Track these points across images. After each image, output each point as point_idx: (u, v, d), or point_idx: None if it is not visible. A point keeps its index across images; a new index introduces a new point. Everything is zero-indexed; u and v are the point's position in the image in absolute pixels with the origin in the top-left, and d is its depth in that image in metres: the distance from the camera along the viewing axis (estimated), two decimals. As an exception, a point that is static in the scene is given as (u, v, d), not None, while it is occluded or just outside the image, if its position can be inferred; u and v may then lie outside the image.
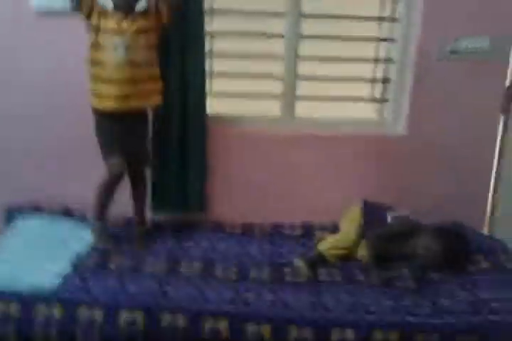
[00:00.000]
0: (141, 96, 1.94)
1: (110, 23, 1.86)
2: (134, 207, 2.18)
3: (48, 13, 2.13)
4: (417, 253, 1.90)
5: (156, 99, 2.01)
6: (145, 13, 1.91)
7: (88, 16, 1.86)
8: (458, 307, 1.70)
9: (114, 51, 1.86)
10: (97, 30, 1.87)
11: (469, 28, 2.17)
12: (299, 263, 1.96)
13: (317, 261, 1.98)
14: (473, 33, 2.17)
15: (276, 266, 1.99)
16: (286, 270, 1.96)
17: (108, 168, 2.01)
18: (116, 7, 1.87)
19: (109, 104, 1.91)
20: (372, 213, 2.10)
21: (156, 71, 1.98)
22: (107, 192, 2.05)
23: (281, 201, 2.37)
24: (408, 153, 2.30)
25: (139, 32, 1.88)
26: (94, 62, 1.90)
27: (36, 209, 2.33)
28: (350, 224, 2.08)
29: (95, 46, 1.88)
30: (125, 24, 1.87)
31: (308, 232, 2.26)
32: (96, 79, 1.91)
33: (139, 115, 2.03)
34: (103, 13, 1.87)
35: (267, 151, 2.34)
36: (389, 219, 2.04)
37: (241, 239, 2.22)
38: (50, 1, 2.11)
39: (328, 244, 2.02)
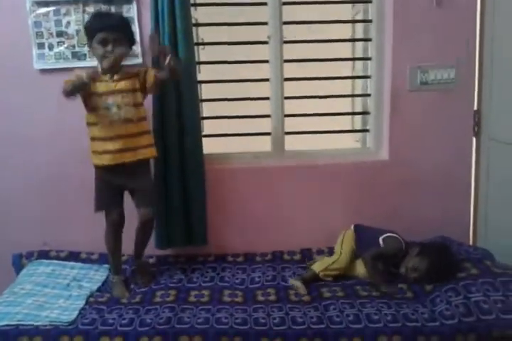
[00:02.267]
0: (136, 151, 2.05)
1: (100, 87, 2.02)
2: (136, 245, 2.24)
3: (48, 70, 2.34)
4: (408, 275, 2.03)
5: (150, 152, 2.11)
6: (130, 76, 2.07)
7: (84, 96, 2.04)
8: (453, 310, 1.81)
9: (106, 111, 2.01)
10: (90, 95, 2.02)
11: (435, 58, 2.39)
12: (295, 282, 2.08)
13: (311, 280, 2.10)
14: (440, 64, 2.38)
15: (281, 288, 2.09)
16: (291, 291, 2.07)
17: (107, 219, 2.14)
18: (103, 70, 2.04)
19: (106, 160, 2.04)
20: (364, 235, 2.23)
21: (147, 126, 2.11)
22: (112, 241, 2.17)
23: (278, 230, 2.49)
24: (392, 176, 2.45)
25: (128, 91, 2.03)
26: (91, 124, 2.06)
27: (43, 254, 2.41)
28: (344, 247, 2.21)
29: (91, 108, 2.04)
30: (112, 85, 2.03)
31: (307, 256, 2.38)
32: (93, 138, 2.07)
33: (139, 166, 2.10)
34: (97, 80, 2.02)
35: (261, 184, 2.48)
36: (380, 241, 2.15)
37: (244, 267, 2.33)
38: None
39: (322, 265, 2.14)
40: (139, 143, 2.07)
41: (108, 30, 1.97)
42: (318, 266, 2.14)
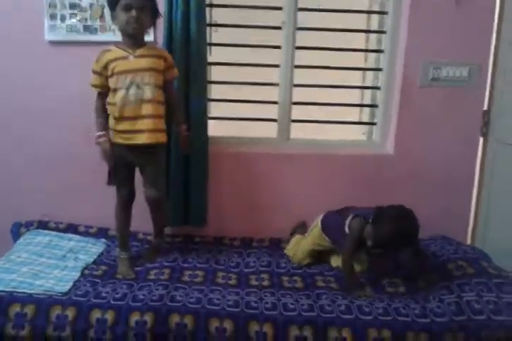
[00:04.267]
0: (150, 133, 2.00)
1: (122, 65, 1.97)
2: (153, 224, 2.27)
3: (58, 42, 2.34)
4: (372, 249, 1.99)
5: (162, 137, 2.07)
6: (153, 55, 2.03)
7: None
8: (444, 308, 1.82)
9: (125, 91, 1.97)
10: (110, 75, 1.99)
11: (449, 56, 2.37)
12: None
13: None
14: (453, 61, 2.37)
15: (275, 274, 2.11)
16: (285, 278, 2.09)
17: (117, 195, 2.14)
18: (129, 38, 2.01)
19: (120, 139, 2.03)
20: (331, 225, 2.15)
21: (161, 110, 2.06)
22: (121, 217, 2.17)
23: (277, 217, 2.51)
24: (395, 171, 2.45)
25: (149, 69, 1.99)
26: (110, 103, 2.03)
27: (42, 225, 2.43)
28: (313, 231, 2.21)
29: (112, 89, 2.00)
30: (134, 63, 1.98)
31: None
32: (111, 117, 2.05)
33: (152, 147, 2.06)
34: (115, 59, 1.98)
35: (264, 170, 2.49)
36: (346, 229, 2.04)
37: (240, 251, 2.35)
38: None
39: (292, 249, 2.24)
40: (155, 126, 2.02)
41: None
42: (290, 250, 2.26)
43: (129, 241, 2.22)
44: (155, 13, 2.05)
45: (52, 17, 2.33)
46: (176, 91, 2.21)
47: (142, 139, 2.00)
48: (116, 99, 1.98)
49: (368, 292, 1.95)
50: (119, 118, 2.00)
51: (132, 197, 2.15)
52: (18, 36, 2.33)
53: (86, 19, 2.34)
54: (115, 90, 1.99)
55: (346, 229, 2.04)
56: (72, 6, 2.33)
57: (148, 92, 1.98)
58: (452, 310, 1.80)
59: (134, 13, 1.93)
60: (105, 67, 1.98)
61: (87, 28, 2.35)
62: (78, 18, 2.33)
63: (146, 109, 1.98)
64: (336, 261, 2.17)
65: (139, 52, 2.01)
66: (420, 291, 1.95)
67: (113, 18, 2.02)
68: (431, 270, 2.01)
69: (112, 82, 1.99)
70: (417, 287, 1.98)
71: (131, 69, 1.97)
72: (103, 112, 2.05)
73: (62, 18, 2.33)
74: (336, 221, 2.12)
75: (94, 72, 2.02)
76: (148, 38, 2.30)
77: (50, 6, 2.32)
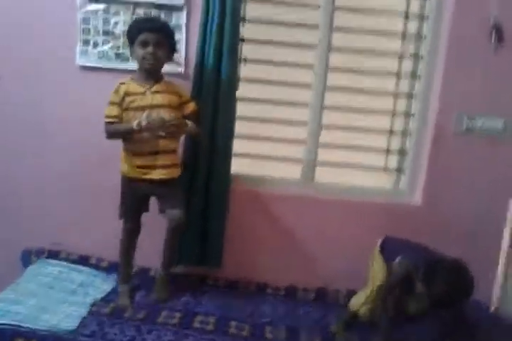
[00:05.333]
0: (165, 168, 2.02)
1: (138, 101, 1.98)
2: (164, 253, 2.17)
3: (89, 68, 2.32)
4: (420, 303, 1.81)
5: (177, 172, 2.09)
6: (169, 91, 2.03)
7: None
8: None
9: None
10: (125, 109, 2.00)
11: (484, 105, 2.30)
12: (335, 329, 1.96)
13: (353, 320, 1.96)
14: (488, 112, 2.30)
15: (291, 328, 2.00)
16: (302, 332, 1.97)
17: (124, 227, 2.13)
18: (146, 73, 2.01)
19: (134, 174, 2.03)
20: (390, 252, 1.99)
21: (177, 145, 2.08)
22: (126, 248, 2.15)
23: (296, 263, 2.41)
24: (422, 222, 2.35)
25: (165, 106, 1.99)
26: (125, 138, 2.03)
27: (53, 254, 2.37)
28: (374, 273, 2.00)
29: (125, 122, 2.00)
30: (150, 99, 1.99)
31: (322, 296, 2.29)
32: (125, 151, 2.04)
33: (165, 182, 2.04)
34: (131, 94, 1.98)
35: (285, 213, 2.41)
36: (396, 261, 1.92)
37: (255, 298, 2.24)
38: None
39: (357, 302, 1.96)
40: (171, 161, 2.04)
41: (149, 31, 1.95)
42: (354, 303, 1.97)
43: (130, 274, 2.19)
44: (172, 48, 2.08)
45: (85, 42, 2.33)
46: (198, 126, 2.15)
47: (159, 174, 2.01)
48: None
49: None
50: (135, 154, 2.00)
51: (138, 229, 2.15)
52: (50, 59, 2.33)
53: (118, 47, 2.33)
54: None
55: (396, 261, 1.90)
56: (105, 33, 2.32)
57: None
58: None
59: (150, 49, 1.95)
60: (123, 98, 1.99)
61: (118, 56, 2.34)
62: (110, 45, 2.33)
63: (162, 144, 1.99)
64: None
65: (155, 88, 2.01)
66: None
67: (131, 52, 2.04)
68: None
69: (126, 117, 1.99)
70: None
71: (148, 105, 1.98)
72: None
73: (95, 45, 2.33)
74: (395, 247, 1.99)
75: (113, 103, 2.01)
76: (178, 69, 2.28)
77: (83, 32, 2.32)
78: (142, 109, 1.97)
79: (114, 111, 2.00)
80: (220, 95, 2.24)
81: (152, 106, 1.98)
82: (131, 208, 2.10)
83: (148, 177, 2.01)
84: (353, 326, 1.95)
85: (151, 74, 2.02)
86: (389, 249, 2.01)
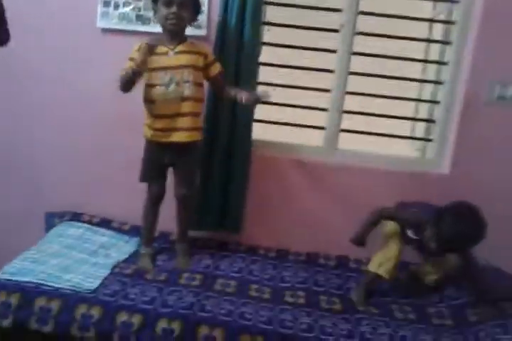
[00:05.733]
0: (187, 131, 1.99)
1: (161, 62, 1.94)
2: (177, 225, 2.19)
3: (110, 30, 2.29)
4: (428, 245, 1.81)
5: (199, 135, 2.06)
6: (194, 51, 1.99)
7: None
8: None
9: (164, 87, 1.93)
10: (149, 70, 1.94)
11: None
12: (355, 297, 1.96)
13: (374, 284, 1.98)
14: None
15: (311, 293, 1.99)
16: (322, 297, 1.97)
17: (148, 191, 2.11)
18: (167, 34, 1.97)
19: (156, 137, 2.01)
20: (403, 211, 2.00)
21: (199, 108, 2.04)
22: (150, 213, 2.15)
23: (317, 230, 2.38)
24: (449, 192, 2.27)
25: (188, 67, 1.95)
26: (147, 100, 2.00)
27: (76, 217, 2.38)
28: (387, 232, 2.01)
29: (148, 85, 1.97)
30: (174, 59, 1.95)
31: (343, 264, 2.27)
32: (148, 113, 2.02)
33: (186, 147, 2.05)
34: (154, 54, 1.92)
35: (307, 180, 2.37)
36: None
37: (275, 263, 2.24)
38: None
39: (376, 263, 1.94)
40: (193, 124, 2.01)
41: None
42: (374, 265, 1.95)
43: (153, 238, 2.20)
44: (197, 9, 2.02)
45: (106, 4, 2.28)
46: (227, 83, 2.13)
47: (180, 137, 1.98)
48: (154, 96, 1.95)
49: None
50: (157, 116, 1.97)
51: (162, 195, 2.12)
52: (70, 21, 2.30)
53: (139, 8, 2.28)
54: (152, 86, 1.95)
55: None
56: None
57: (187, 90, 1.95)
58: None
59: (174, 9, 1.90)
60: (143, 59, 1.90)
61: (139, 18, 2.29)
62: (131, 6, 2.28)
63: (185, 106, 1.96)
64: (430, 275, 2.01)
65: (179, 48, 1.98)
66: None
67: (154, 12, 2.00)
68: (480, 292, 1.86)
69: (148, 78, 1.95)
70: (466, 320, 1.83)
71: (170, 65, 1.95)
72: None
73: (116, 6, 2.28)
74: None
75: (131, 59, 1.95)
76: (200, 32, 2.23)
77: (104, -6, 2.26)
78: (165, 69, 1.94)
79: (128, 65, 1.95)
80: (242, 59, 2.19)
81: (176, 67, 1.95)
82: (152, 173, 2.09)
83: (168, 140, 1.99)
84: (372, 291, 1.96)
85: (175, 35, 1.98)
86: (401, 208, 2.02)
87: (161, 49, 1.96)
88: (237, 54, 2.19)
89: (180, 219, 2.17)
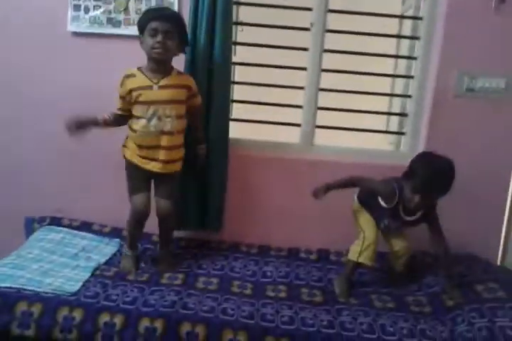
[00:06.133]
0: (167, 163, 2.00)
1: (145, 96, 1.94)
2: (160, 236, 2.18)
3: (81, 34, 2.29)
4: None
5: (177, 166, 2.07)
6: (178, 85, 1.99)
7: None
8: (474, 333, 1.69)
9: (146, 121, 1.95)
10: (134, 103, 1.97)
11: (486, 66, 2.26)
12: (337, 289, 1.99)
13: (354, 272, 2.02)
14: (490, 72, 2.27)
15: (292, 287, 2.02)
16: (303, 290, 2.00)
17: (132, 205, 2.06)
18: (154, 63, 1.97)
19: (135, 161, 2.02)
20: (367, 200, 2.07)
21: (181, 139, 2.06)
22: (135, 226, 2.10)
23: (297, 225, 2.41)
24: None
25: (172, 102, 1.96)
26: (130, 128, 2.02)
27: (55, 221, 2.37)
28: (360, 221, 2.05)
29: (133, 115, 1.99)
30: (157, 94, 1.95)
31: (323, 257, 2.31)
32: (130, 137, 2.03)
33: (166, 174, 2.04)
34: (138, 88, 1.95)
35: (286, 176, 2.40)
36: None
37: (257, 259, 2.26)
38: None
39: (355, 252, 1.98)
40: (171, 157, 2.02)
41: (159, 20, 1.89)
42: (353, 253, 1.99)
43: (136, 243, 2.17)
44: (184, 39, 2.02)
45: (76, 8, 2.28)
46: (201, 118, 2.19)
47: (157, 168, 2.00)
48: (137, 127, 1.97)
49: None
50: (138, 145, 2.00)
51: (147, 211, 2.04)
52: (40, 26, 2.30)
53: (110, 11, 2.29)
54: (135, 117, 1.98)
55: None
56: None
57: (168, 125, 1.96)
58: (484, 335, 1.66)
59: (159, 38, 1.89)
60: (129, 93, 1.96)
61: (110, 21, 2.30)
62: (102, 10, 2.28)
63: (165, 140, 1.97)
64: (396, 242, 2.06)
65: (164, 81, 1.97)
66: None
67: (141, 42, 1.98)
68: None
69: (134, 110, 1.98)
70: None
71: (153, 100, 1.95)
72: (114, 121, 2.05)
73: (86, 10, 2.29)
74: (369, 192, 2.03)
75: (120, 97, 2.00)
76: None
77: (74, -3, 2.27)
78: (148, 103, 1.95)
79: (121, 104, 2.00)
80: (214, 58, 2.21)
81: (159, 102, 1.95)
82: (135, 186, 2.06)
83: (148, 168, 2.01)
84: (353, 282, 2.00)
85: (160, 65, 1.97)
86: (364, 195, 2.07)
87: (146, 82, 1.95)
88: (209, 54, 2.20)
89: (161, 231, 2.15)
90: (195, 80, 2.09)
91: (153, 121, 1.95)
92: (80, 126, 1.98)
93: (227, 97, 2.29)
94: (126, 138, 2.06)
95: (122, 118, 2.03)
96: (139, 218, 2.04)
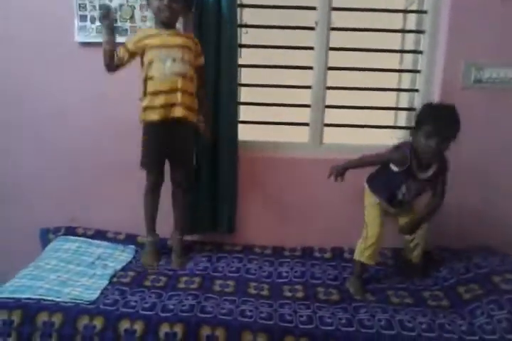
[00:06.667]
0: (184, 107, 2.02)
1: (156, 41, 2.02)
2: (174, 211, 2.23)
3: (88, 44, 2.30)
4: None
5: (195, 115, 2.09)
6: (185, 36, 2.08)
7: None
8: (494, 325, 1.68)
9: (160, 64, 1.99)
10: (145, 49, 2.02)
11: (493, 57, 2.25)
12: (351, 288, 2.00)
13: (364, 272, 2.04)
14: (497, 63, 2.25)
15: (309, 286, 2.02)
16: (320, 289, 2.00)
17: (146, 177, 2.14)
18: (161, 24, 2.05)
19: (155, 115, 2.02)
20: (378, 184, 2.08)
21: (194, 88, 2.08)
22: (150, 200, 2.18)
23: (310, 225, 2.42)
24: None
25: (182, 46, 2.02)
26: (146, 78, 2.03)
27: (70, 231, 2.40)
28: (366, 215, 2.06)
29: (147, 63, 2.03)
30: (167, 39, 2.03)
31: (338, 255, 2.31)
32: (146, 93, 2.04)
33: (184, 125, 2.08)
34: (149, 36, 2.03)
35: (296, 176, 2.40)
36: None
37: (272, 260, 2.27)
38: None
39: (358, 252, 2.02)
40: (190, 102, 2.05)
41: None
42: (357, 253, 2.03)
43: (155, 226, 2.22)
44: (189, 2, 2.09)
45: (83, 18, 2.30)
46: (204, 84, 2.19)
47: (178, 112, 2.01)
48: (152, 72, 2.00)
49: None
50: (156, 93, 2.00)
51: (160, 182, 2.17)
52: (48, 37, 2.32)
53: (116, 20, 2.30)
54: (150, 64, 2.00)
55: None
56: (102, 8, 2.28)
57: (183, 67, 2.01)
58: (504, 327, 1.66)
59: (165, 1, 1.96)
60: (137, 42, 2.01)
61: (116, 29, 2.29)
62: (108, 19, 2.30)
63: (182, 83, 2.00)
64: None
65: (172, 32, 2.05)
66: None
67: (148, 4, 2.08)
68: None
69: (146, 57, 2.02)
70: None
71: (165, 44, 2.01)
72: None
73: (92, 20, 2.31)
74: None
75: (123, 45, 2.04)
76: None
77: (80, 8, 2.29)
78: (161, 47, 2.01)
79: (121, 51, 2.03)
80: (221, 61, 2.23)
81: (170, 46, 2.01)
82: (153, 158, 2.11)
83: (167, 116, 2.01)
84: (367, 279, 2.03)
85: (167, 26, 2.05)
86: (375, 174, 2.10)
87: (155, 31, 2.04)
88: (216, 57, 2.22)
89: (176, 204, 2.21)
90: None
91: (168, 63, 1.99)
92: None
93: (234, 99, 2.30)
94: (143, 99, 2.05)
95: (116, 58, 2.03)
96: (153, 188, 2.16)
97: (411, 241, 2.10)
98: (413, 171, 1.92)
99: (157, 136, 2.08)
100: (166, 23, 2.04)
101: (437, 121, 1.84)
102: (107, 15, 2.02)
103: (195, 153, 2.26)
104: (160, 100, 2.01)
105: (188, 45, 2.04)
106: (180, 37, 2.06)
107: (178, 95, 2.01)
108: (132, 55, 2.03)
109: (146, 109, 2.04)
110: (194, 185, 2.28)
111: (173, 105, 2.01)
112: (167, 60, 1.99)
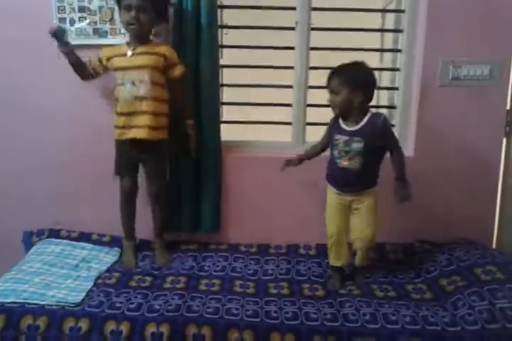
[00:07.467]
0: (141, 129, 2.02)
1: (120, 62, 2.05)
2: (153, 221, 2.27)
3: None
4: None
5: (157, 134, 2.07)
6: (154, 53, 2.05)
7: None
8: (476, 316, 1.72)
9: (122, 87, 2.03)
10: (112, 69, 2.09)
11: (470, 55, 2.29)
12: (330, 287, 2.01)
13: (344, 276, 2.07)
14: (474, 60, 2.29)
15: (294, 282, 2.04)
16: (305, 285, 2.02)
17: (120, 184, 2.17)
18: (134, 37, 2.06)
19: (116, 135, 2.08)
20: None
21: (161, 107, 2.07)
22: (125, 209, 2.21)
23: (294, 222, 2.43)
24: (415, 174, 2.35)
25: (146, 67, 2.02)
26: (115, 98, 2.09)
27: (54, 233, 2.38)
28: (327, 214, 2.08)
29: (115, 84, 2.06)
30: (131, 60, 2.03)
31: (322, 252, 2.30)
32: (115, 111, 2.09)
33: (152, 143, 2.08)
34: (116, 55, 2.06)
35: (279, 175, 2.40)
36: None
37: (257, 258, 2.28)
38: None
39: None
40: (149, 123, 2.03)
41: None
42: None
43: (133, 231, 2.25)
44: (160, 13, 2.09)
45: (62, 21, 2.29)
46: (183, 90, 2.20)
47: (137, 134, 2.02)
48: (117, 94, 2.06)
49: None
50: (118, 113, 2.06)
51: (134, 190, 2.19)
52: (28, 40, 2.30)
53: (95, 22, 2.30)
54: (117, 85, 2.06)
55: None
56: (81, 10, 2.29)
57: (141, 90, 2.00)
58: (484, 317, 1.70)
59: (132, 13, 1.99)
60: (108, 60, 2.08)
61: (96, 32, 2.31)
62: (87, 21, 2.30)
63: (142, 105, 2.01)
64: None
65: (139, 49, 2.04)
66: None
67: (120, 16, 2.09)
68: None
69: (115, 77, 2.06)
70: None
71: (127, 66, 2.03)
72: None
73: (72, 22, 2.30)
74: None
75: (97, 58, 2.12)
76: (157, 40, 2.26)
77: (59, 10, 2.28)
78: (122, 69, 2.03)
79: (93, 60, 2.11)
80: (202, 62, 2.24)
81: (132, 68, 2.02)
82: (122, 167, 2.16)
83: (127, 137, 2.05)
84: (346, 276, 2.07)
85: (138, 38, 2.06)
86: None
87: (122, 50, 2.06)
88: (196, 58, 2.23)
89: (154, 215, 2.25)
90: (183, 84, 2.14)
91: (128, 86, 2.00)
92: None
93: (217, 100, 2.31)
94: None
95: (85, 66, 2.11)
96: (128, 196, 2.18)
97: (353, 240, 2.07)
98: (339, 123, 1.98)
99: (124, 152, 2.13)
100: (138, 36, 2.04)
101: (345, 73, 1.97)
102: (57, 37, 2.03)
103: (169, 167, 2.27)
104: (119, 122, 2.05)
105: (154, 64, 2.02)
106: (149, 55, 2.03)
107: (140, 117, 2.01)
108: (106, 68, 2.09)
109: (114, 126, 2.09)
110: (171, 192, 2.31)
111: (131, 127, 2.03)
112: (127, 83, 2.01)
